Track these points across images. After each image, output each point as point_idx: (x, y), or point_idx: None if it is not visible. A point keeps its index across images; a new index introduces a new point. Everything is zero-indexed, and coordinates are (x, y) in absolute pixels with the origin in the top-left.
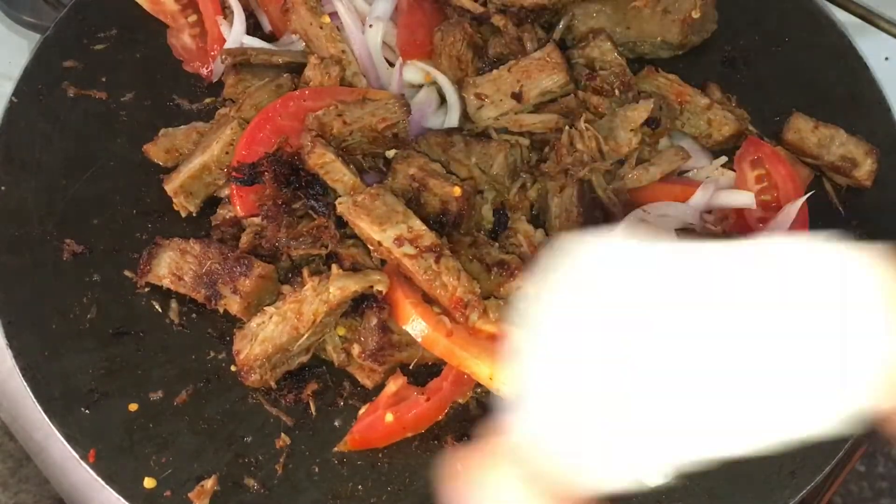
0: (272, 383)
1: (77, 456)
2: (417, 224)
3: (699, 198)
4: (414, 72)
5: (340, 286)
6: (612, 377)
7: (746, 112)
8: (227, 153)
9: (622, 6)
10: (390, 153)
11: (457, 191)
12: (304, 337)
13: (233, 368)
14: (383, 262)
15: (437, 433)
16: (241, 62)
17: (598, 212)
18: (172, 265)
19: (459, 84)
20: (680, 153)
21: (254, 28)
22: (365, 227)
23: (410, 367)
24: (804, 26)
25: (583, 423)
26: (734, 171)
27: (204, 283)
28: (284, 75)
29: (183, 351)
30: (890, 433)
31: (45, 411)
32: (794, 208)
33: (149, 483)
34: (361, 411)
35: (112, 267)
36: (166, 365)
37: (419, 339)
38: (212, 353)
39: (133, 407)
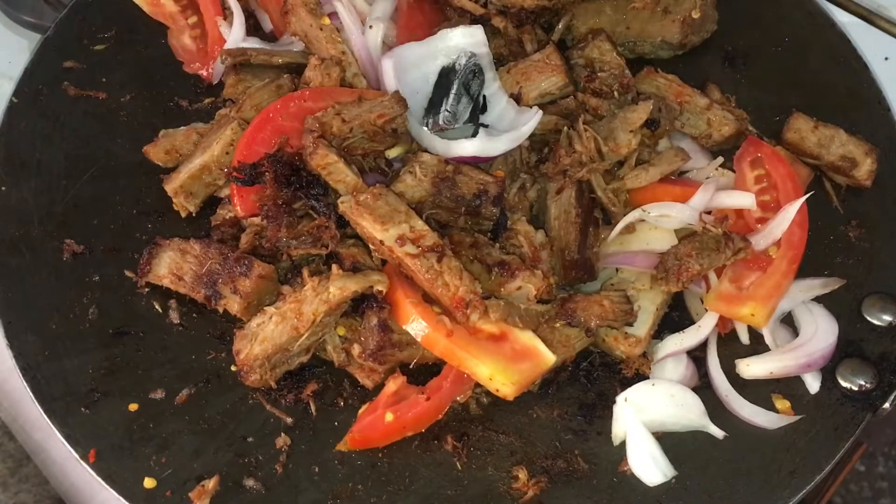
0: (272, 383)
1: (77, 456)
2: (420, 224)
3: (699, 198)
4: None
5: (340, 286)
6: None
7: (746, 112)
8: (227, 153)
9: (622, 6)
10: (391, 152)
11: (499, 173)
12: (304, 337)
13: (233, 368)
14: (384, 262)
15: (437, 433)
16: (241, 63)
17: (597, 212)
18: (172, 265)
19: None
20: (680, 154)
21: (254, 28)
22: (367, 226)
23: (410, 367)
24: (804, 26)
25: None
26: (733, 171)
27: (204, 283)
28: (284, 76)
29: (183, 351)
30: None
31: (45, 411)
32: (793, 208)
33: (149, 483)
34: (361, 411)
35: (112, 267)
36: (166, 365)
37: (419, 339)
38: (212, 353)
39: (133, 407)
